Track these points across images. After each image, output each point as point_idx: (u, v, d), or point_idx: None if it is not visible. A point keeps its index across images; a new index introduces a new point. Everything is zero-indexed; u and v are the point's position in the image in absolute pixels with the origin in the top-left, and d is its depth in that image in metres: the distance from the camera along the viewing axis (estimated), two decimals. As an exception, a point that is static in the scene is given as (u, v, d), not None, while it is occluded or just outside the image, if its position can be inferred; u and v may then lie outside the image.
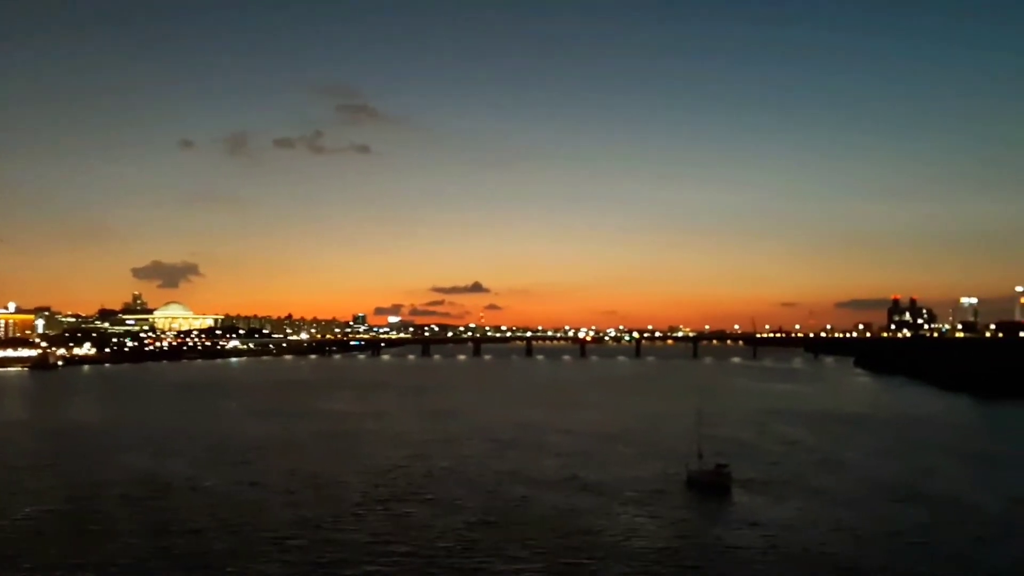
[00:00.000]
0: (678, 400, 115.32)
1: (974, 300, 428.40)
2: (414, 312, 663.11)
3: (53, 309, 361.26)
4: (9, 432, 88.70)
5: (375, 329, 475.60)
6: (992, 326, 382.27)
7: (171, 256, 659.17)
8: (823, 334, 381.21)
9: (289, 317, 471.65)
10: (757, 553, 40.16)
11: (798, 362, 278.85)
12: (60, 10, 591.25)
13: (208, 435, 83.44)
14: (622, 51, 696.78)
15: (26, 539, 43.33)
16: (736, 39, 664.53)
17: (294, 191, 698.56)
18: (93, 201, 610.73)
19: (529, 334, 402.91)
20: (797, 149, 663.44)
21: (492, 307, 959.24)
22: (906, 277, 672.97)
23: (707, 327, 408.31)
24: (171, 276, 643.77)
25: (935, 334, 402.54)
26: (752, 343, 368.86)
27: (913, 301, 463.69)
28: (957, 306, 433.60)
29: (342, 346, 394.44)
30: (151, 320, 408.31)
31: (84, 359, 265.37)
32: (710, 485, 54.63)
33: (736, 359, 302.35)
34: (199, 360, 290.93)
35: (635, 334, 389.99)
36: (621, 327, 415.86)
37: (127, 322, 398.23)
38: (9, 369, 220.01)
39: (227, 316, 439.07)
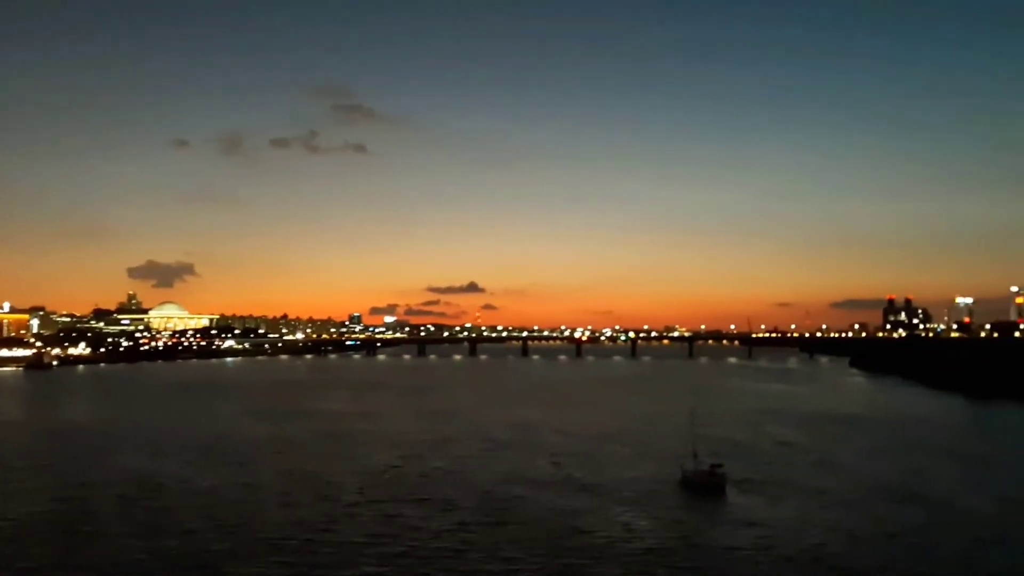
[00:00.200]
0: (673, 400, 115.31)
1: (969, 300, 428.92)
2: (410, 312, 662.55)
3: (48, 309, 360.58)
4: (3, 432, 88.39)
5: (371, 329, 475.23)
6: (987, 326, 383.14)
7: (166, 256, 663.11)
8: (818, 334, 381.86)
9: (285, 317, 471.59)
10: (752, 553, 40.17)
11: (793, 362, 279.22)
12: (55, 10, 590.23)
13: (203, 435, 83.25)
14: (619, 51, 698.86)
15: (20, 540, 43.16)
16: (732, 40, 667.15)
17: (290, 191, 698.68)
18: (88, 200, 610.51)
19: (525, 334, 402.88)
20: (793, 149, 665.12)
21: (488, 307, 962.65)
22: (902, 277, 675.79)
23: (703, 327, 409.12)
24: (166, 276, 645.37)
25: (930, 334, 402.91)
26: (748, 343, 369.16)
27: (908, 301, 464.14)
28: (952, 306, 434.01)
29: (338, 346, 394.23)
30: (146, 320, 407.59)
31: (79, 359, 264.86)
32: (705, 485, 54.65)
33: (732, 359, 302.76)
34: (194, 360, 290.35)
35: (631, 334, 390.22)
36: (617, 327, 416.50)
37: (122, 322, 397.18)
38: (4, 369, 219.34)
39: (222, 316, 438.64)
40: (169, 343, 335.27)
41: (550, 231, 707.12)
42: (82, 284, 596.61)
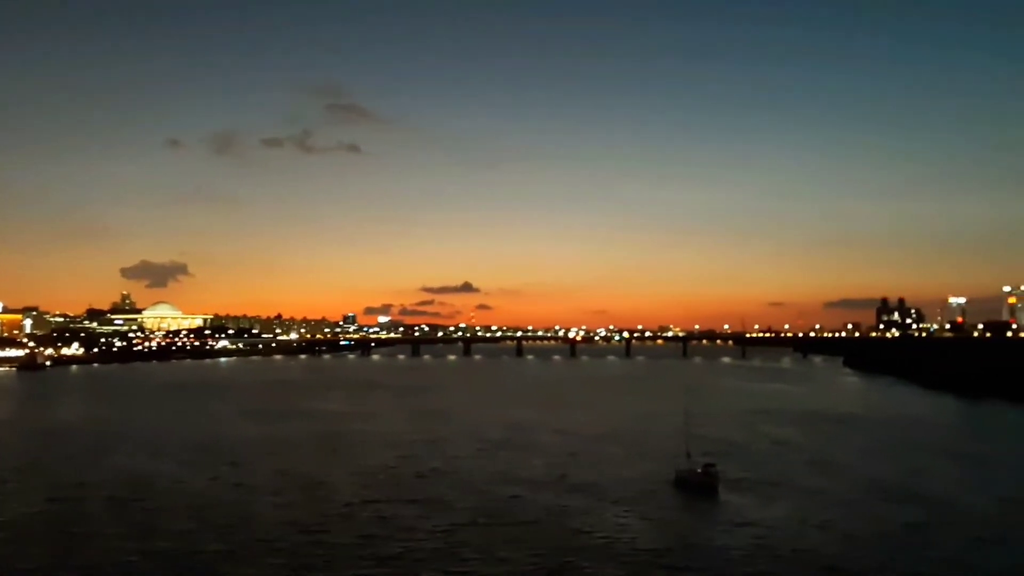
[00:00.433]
0: (667, 400, 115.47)
1: (962, 300, 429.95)
2: (404, 312, 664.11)
3: (41, 309, 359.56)
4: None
5: (365, 329, 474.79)
6: (980, 326, 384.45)
7: (160, 256, 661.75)
8: (812, 334, 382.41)
9: (279, 317, 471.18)
10: (745, 553, 40.29)
11: (787, 362, 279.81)
12: (50, 11, 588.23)
13: (196, 436, 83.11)
14: (615, 52, 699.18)
15: (15, 541, 43.07)
16: (728, 40, 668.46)
17: (283, 191, 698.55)
18: (81, 201, 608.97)
19: (519, 334, 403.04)
20: (786, 150, 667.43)
21: (482, 307, 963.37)
22: (895, 277, 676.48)
23: (697, 327, 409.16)
24: (160, 276, 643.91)
25: (923, 334, 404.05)
26: (741, 343, 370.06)
27: (902, 301, 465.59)
28: (945, 306, 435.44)
29: (332, 346, 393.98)
30: (139, 320, 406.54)
31: (72, 359, 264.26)
32: (698, 485, 54.76)
33: (725, 359, 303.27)
34: (188, 360, 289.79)
35: (625, 334, 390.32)
36: (611, 327, 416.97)
37: (115, 322, 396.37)
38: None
39: (216, 316, 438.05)
40: (163, 343, 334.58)
41: (544, 231, 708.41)
42: (75, 284, 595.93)
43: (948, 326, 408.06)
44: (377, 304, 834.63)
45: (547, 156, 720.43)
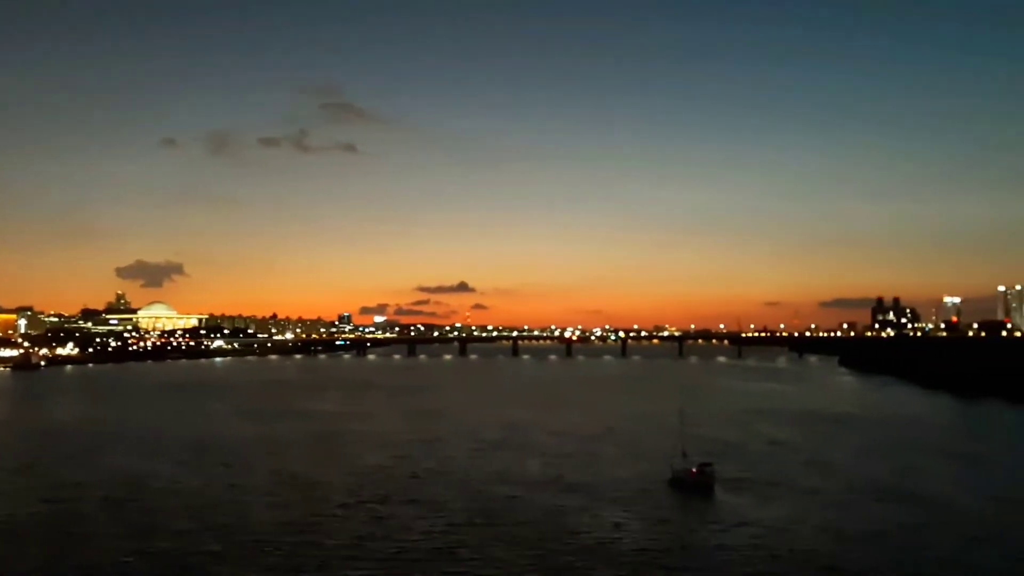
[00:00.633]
0: (663, 399, 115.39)
1: (957, 300, 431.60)
2: (400, 312, 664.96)
3: (35, 309, 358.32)
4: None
5: (361, 329, 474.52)
6: (975, 325, 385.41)
7: (155, 255, 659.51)
8: (807, 333, 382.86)
9: (274, 317, 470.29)
10: (741, 553, 40.25)
11: (782, 361, 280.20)
12: (45, 11, 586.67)
13: (191, 436, 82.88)
14: (614, 52, 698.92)
15: (9, 542, 42.91)
16: (727, 40, 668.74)
17: (279, 190, 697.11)
18: (76, 200, 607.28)
19: (515, 334, 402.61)
20: (783, 150, 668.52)
21: (478, 307, 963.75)
22: (890, 277, 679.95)
23: (692, 326, 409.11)
24: (155, 275, 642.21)
25: (918, 333, 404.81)
26: (737, 342, 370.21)
27: (897, 300, 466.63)
28: (940, 306, 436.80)
29: (327, 346, 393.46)
30: (135, 320, 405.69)
31: (67, 359, 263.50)
32: (694, 485, 54.75)
33: (721, 358, 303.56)
34: (183, 360, 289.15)
35: (621, 333, 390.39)
36: (607, 326, 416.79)
37: (110, 322, 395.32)
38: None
39: (211, 316, 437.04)
40: (158, 343, 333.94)
41: (540, 231, 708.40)
42: (70, 284, 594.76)
43: (943, 325, 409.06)
44: (373, 304, 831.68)
45: (544, 156, 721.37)
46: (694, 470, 55.69)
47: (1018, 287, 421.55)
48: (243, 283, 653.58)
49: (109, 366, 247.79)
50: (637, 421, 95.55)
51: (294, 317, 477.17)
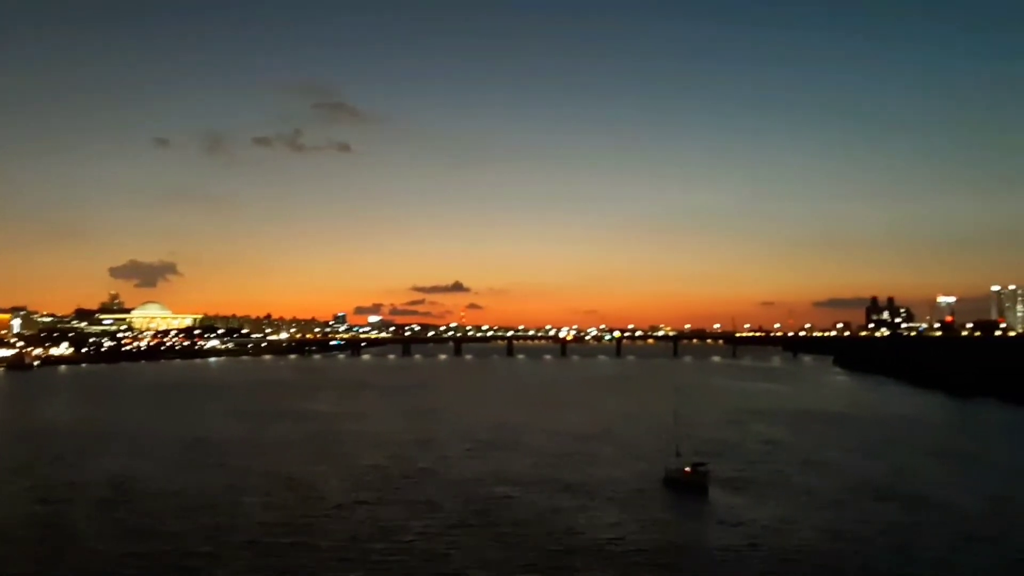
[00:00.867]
0: (658, 399, 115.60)
1: (952, 299, 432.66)
2: (395, 312, 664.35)
3: (29, 309, 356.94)
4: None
5: (355, 329, 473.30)
6: (969, 325, 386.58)
7: (149, 255, 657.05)
8: (802, 333, 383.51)
9: (268, 317, 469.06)
10: (735, 552, 40.29)
11: (777, 361, 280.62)
12: (35, 10, 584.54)
13: (185, 436, 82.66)
14: (605, 52, 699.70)
15: (2, 542, 42.85)
16: (720, 41, 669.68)
17: (273, 190, 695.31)
18: (69, 200, 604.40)
19: (510, 334, 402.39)
20: (777, 150, 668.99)
21: (473, 307, 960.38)
22: (884, 276, 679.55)
23: (687, 326, 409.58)
24: (149, 275, 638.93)
25: (913, 333, 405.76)
26: (732, 342, 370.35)
27: (891, 300, 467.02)
28: (935, 305, 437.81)
29: (322, 346, 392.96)
30: (128, 320, 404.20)
31: (60, 359, 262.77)
32: (688, 484, 54.79)
33: (716, 358, 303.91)
34: (177, 360, 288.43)
35: (616, 333, 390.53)
36: (602, 326, 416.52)
37: (104, 322, 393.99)
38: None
39: (206, 316, 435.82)
40: (152, 343, 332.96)
41: (535, 231, 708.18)
42: (64, 284, 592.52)
43: (937, 325, 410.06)
44: (367, 304, 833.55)
45: (537, 156, 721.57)
46: (688, 470, 55.74)
47: (1012, 287, 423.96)
48: (237, 283, 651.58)
49: (103, 366, 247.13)
50: (631, 421, 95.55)
51: (288, 317, 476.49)
